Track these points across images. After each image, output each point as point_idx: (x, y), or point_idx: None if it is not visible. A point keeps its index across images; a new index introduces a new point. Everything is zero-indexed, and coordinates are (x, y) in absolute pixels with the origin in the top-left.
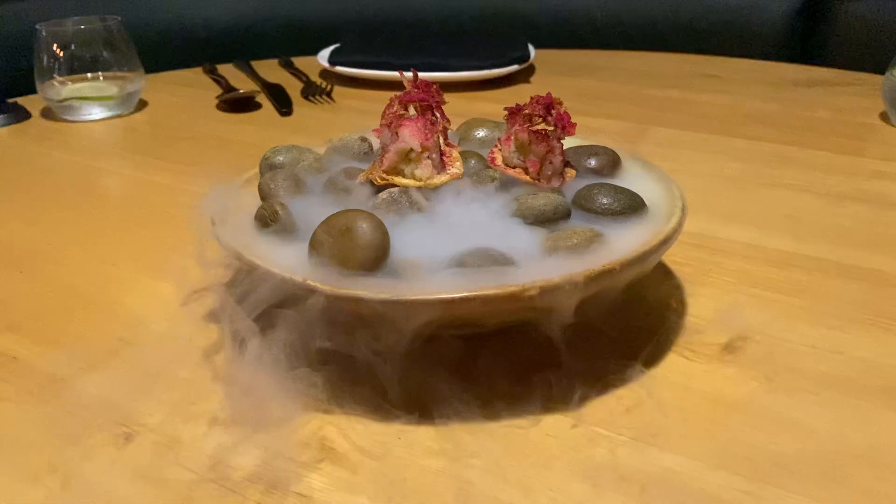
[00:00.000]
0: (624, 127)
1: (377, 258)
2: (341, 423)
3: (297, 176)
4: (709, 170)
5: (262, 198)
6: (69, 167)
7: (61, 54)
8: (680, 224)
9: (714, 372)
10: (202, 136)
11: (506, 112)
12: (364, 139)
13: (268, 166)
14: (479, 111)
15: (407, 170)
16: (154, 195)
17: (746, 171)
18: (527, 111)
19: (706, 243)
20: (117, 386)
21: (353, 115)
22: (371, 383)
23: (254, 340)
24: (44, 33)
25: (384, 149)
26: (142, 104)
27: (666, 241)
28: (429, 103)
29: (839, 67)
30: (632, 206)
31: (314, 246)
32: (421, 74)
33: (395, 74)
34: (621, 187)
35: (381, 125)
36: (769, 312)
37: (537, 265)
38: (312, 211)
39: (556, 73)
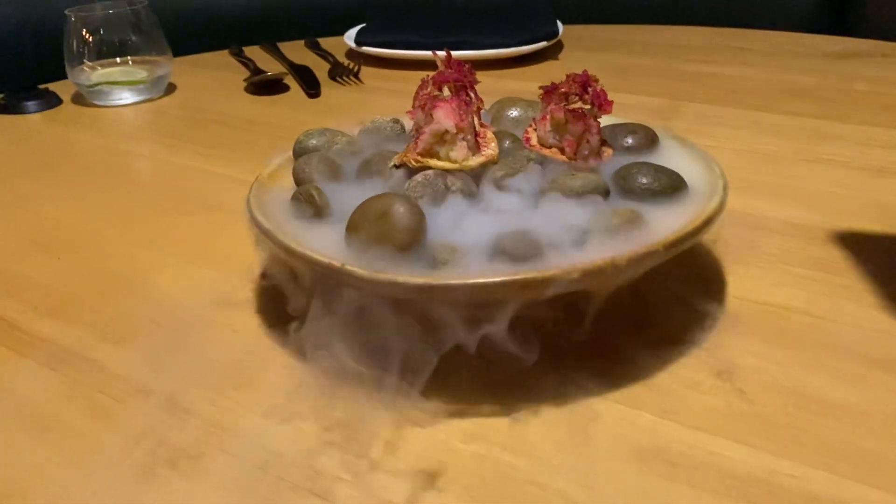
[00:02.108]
0: (657, 103)
1: (414, 241)
2: (382, 408)
3: (330, 159)
4: (745, 146)
5: (297, 182)
6: (102, 152)
7: (91, 39)
8: (722, 203)
9: (757, 353)
10: (232, 119)
11: (541, 91)
12: (396, 121)
13: (301, 149)
14: (508, 89)
15: (442, 152)
16: (186, 178)
17: (784, 147)
18: (563, 90)
19: (745, 221)
20: (160, 371)
21: (381, 96)
22: (410, 369)
23: (292, 326)
24: (73, 19)
25: (418, 131)
26: (171, 88)
27: (709, 221)
28: (463, 83)
29: (874, 38)
30: (672, 185)
31: (351, 230)
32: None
33: (422, 53)
34: (660, 166)
35: (414, 106)
36: (812, 291)
37: (577, 247)
38: (347, 194)
39: (585, 48)
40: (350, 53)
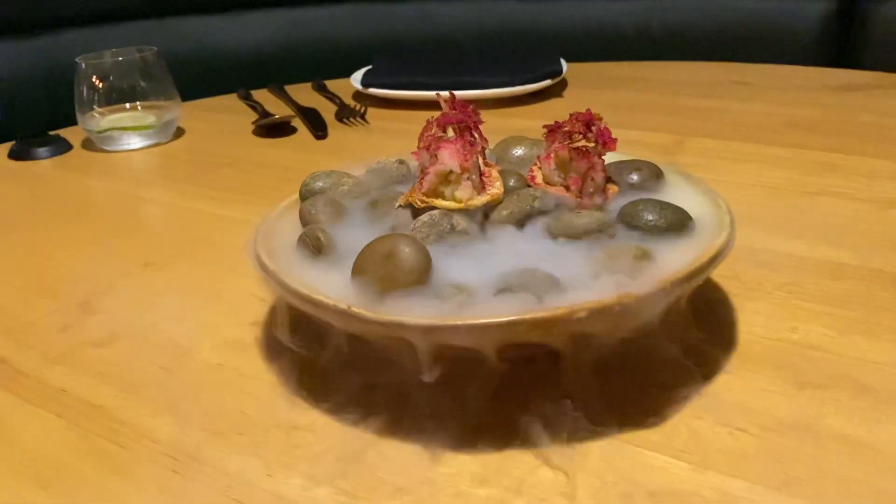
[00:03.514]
0: (661, 139)
1: (420, 282)
2: (385, 450)
3: (336, 201)
4: (751, 180)
5: (304, 223)
6: (111, 197)
7: (100, 86)
8: (730, 238)
9: (770, 390)
10: (240, 162)
11: (545, 129)
12: (401, 161)
13: (308, 191)
14: (513, 128)
15: (447, 192)
16: (195, 223)
17: (790, 180)
18: (567, 128)
19: (753, 256)
20: (165, 417)
21: (387, 137)
22: (413, 409)
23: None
24: (83, 66)
25: (423, 171)
26: (179, 132)
27: (717, 257)
28: (467, 124)
29: (877, 70)
30: (678, 221)
31: (357, 271)
32: (454, 93)
33: (427, 94)
34: (666, 202)
35: (419, 147)
36: (824, 326)
37: (584, 286)
38: (353, 236)
39: (589, 86)
40: (357, 95)
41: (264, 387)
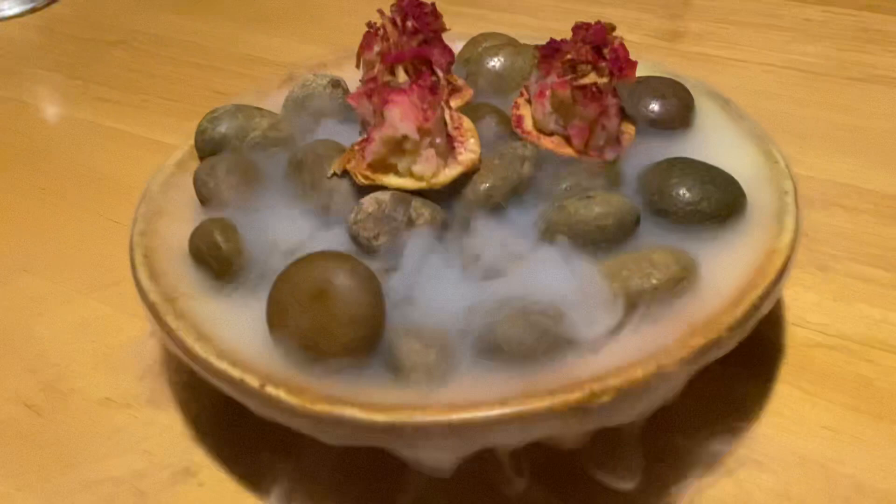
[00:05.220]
0: None
1: (367, 337)
2: None
3: (246, 163)
4: (777, 59)
5: (201, 199)
6: None
7: None
8: (798, 231)
9: (828, 424)
10: (137, 37)
11: (536, 52)
12: (336, 84)
13: (206, 142)
14: None
15: (401, 164)
16: (81, 142)
17: (828, 59)
18: (569, 55)
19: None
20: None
21: None
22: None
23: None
24: None
25: (367, 131)
26: None
27: (784, 270)
28: (426, 57)
29: None
30: (728, 202)
31: (274, 321)
32: None
33: None
34: (708, 169)
35: (357, 91)
36: (892, 309)
37: (604, 335)
38: (273, 229)
39: None
40: None
41: (168, 438)
